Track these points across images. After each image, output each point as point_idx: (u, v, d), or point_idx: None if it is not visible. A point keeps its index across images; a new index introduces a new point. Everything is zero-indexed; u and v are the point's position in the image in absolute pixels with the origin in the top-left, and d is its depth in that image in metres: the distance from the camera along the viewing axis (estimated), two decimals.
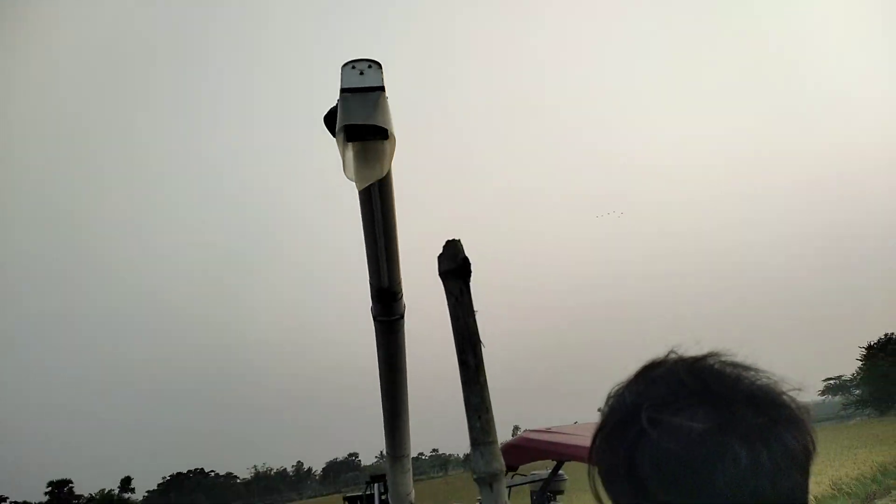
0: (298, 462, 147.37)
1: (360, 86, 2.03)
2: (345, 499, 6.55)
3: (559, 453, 4.12)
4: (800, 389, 0.69)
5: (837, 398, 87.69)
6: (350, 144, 2.08)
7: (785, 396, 0.67)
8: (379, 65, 2.07)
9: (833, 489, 15.82)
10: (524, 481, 5.66)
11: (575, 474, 4.56)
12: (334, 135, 2.06)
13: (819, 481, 16.25)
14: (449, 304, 2.07)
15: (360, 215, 2.48)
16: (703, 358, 0.71)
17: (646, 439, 0.65)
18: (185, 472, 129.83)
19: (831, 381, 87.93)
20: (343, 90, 2.02)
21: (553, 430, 4.59)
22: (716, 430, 0.63)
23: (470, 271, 2.20)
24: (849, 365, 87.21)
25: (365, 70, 2.07)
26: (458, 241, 2.12)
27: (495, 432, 2.26)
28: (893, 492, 15.23)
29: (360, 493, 6.50)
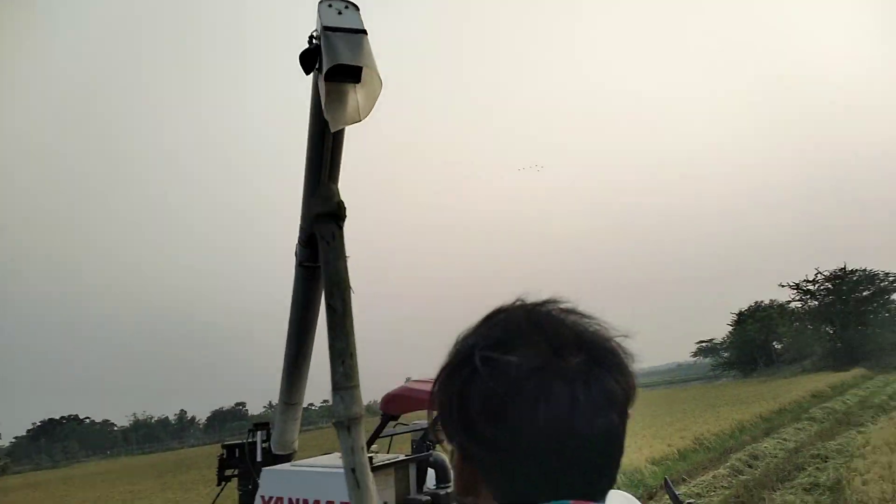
0: (182, 411, 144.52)
1: (343, 26, 2.08)
2: (224, 446, 5.52)
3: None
4: (626, 336, 0.73)
5: (708, 360, 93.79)
6: (336, 85, 2.10)
7: (612, 342, 0.72)
8: (356, 6, 2.14)
9: (695, 444, 16.12)
10: (405, 430, 5.11)
11: None
12: (307, 73, 2.15)
13: (683, 436, 16.61)
14: (320, 248, 1.96)
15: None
16: (543, 304, 0.75)
17: (476, 377, 0.69)
18: (57, 418, 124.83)
19: (704, 344, 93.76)
20: (325, 28, 2.06)
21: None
22: (541, 369, 0.66)
23: (344, 215, 2.09)
24: (721, 330, 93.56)
25: (342, 10, 2.13)
26: (334, 185, 2.01)
27: (358, 378, 2.16)
28: (747, 447, 15.60)
29: (240, 441, 5.54)
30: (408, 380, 3.98)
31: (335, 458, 4.62)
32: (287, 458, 5.29)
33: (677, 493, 4.66)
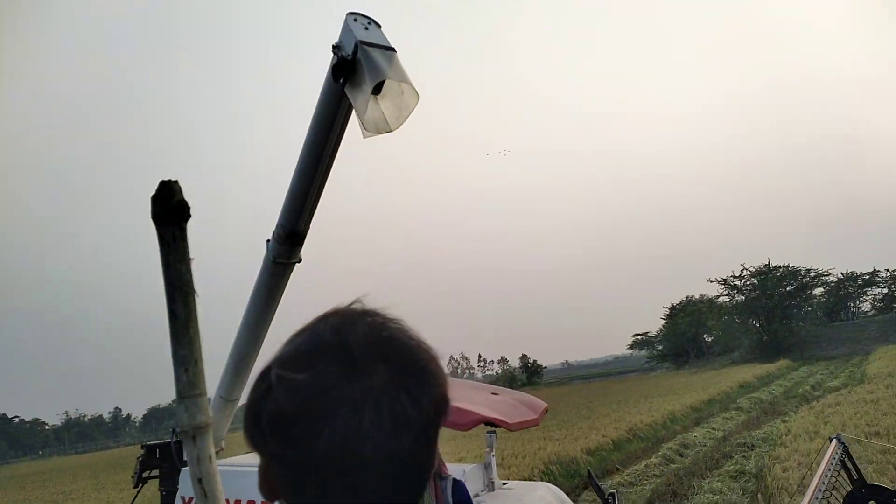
0: (116, 408, 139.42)
1: (376, 42, 2.37)
2: (143, 446, 5.19)
3: None
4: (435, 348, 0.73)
5: (643, 352, 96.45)
6: (375, 97, 2.42)
7: (423, 357, 0.70)
8: (378, 24, 2.43)
9: (629, 434, 16.49)
10: None
11: None
12: (337, 81, 2.47)
13: (617, 427, 16.96)
14: (161, 250, 1.41)
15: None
16: (355, 315, 0.72)
17: (270, 394, 0.69)
18: None
19: (639, 337, 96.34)
20: (363, 43, 2.34)
21: None
22: (330, 389, 0.65)
23: (187, 215, 1.49)
24: (656, 323, 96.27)
25: (368, 26, 2.41)
26: (176, 182, 1.35)
27: (204, 385, 1.58)
28: (678, 436, 16.08)
29: (162, 441, 5.25)
30: None
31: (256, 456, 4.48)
32: None
33: (600, 484, 4.73)
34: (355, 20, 2.44)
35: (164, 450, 5.19)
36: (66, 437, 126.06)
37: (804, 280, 59.38)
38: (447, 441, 18.15)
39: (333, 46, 2.66)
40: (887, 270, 65.81)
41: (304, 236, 3.51)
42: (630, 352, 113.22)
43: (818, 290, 62.47)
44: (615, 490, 4.76)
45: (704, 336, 72.16)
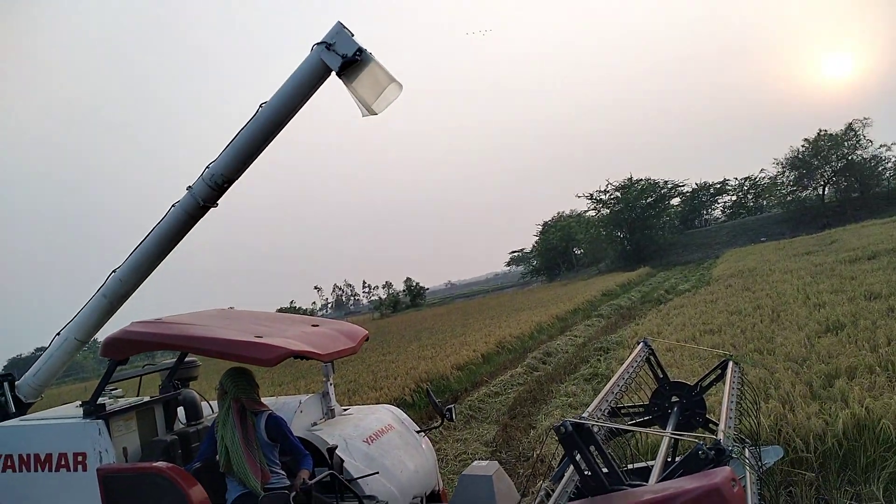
0: None
1: (364, 48, 3.81)
2: None
3: (163, 343, 3.52)
4: None
5: (519, 268, 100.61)
6: (390, 86, 3.93)
7: None
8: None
9: (498, 347, 17.10)
10: (152, 370, 4.76)
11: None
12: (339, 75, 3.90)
13: (487, 341, 17.53)
14: None
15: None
16: None
17: None
18: None
19: (515, 253, 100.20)
20: (364, 50, 3.81)
21: (162, 320, 3.48)
22: None
23: None
24: (530, 240, 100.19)
25: (352, 34, 3.86)
26: None
27: None
28: (543, 346, 16.91)
29: None
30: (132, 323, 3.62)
31: (69, 409, 4.16)
32: (27, 409, 4.74)
33: (437, 400, 4.78)
34: (344, 28, 3.85)
35: None
36: None
37: (662, 191, 63.38)
38: (299, 377, 18.11)
39: (325, 44, 3.84)
40: (735, 179, 71.80)
41: (228, 188, 4.28)
42: (508, 269, 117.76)
43: (675, 201, 67.03)
44: (452, 405, 4.87)
45: (574, 249, 76.10)
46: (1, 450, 3.73)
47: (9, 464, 3.65)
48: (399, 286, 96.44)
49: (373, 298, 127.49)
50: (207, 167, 4.22)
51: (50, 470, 3.52)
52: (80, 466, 3.45)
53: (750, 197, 71.40)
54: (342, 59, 3.76)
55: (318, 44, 3.88)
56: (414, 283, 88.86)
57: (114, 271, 4.56)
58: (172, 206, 4.35)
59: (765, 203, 68.79)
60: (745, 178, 70.67)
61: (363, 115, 3.96)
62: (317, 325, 3.96)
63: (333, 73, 3.89)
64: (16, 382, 4.98)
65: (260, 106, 4.10)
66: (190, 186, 4.26)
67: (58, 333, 4.78)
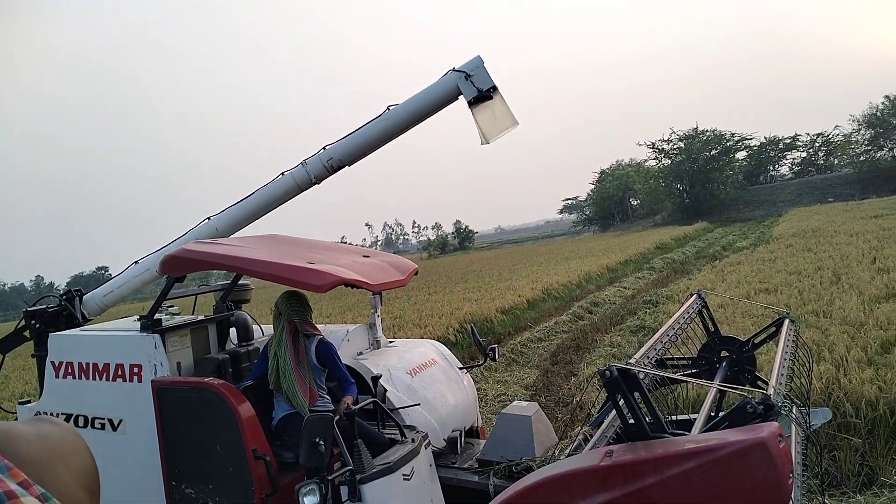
0: (38, 276, 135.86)
1: (497, 86, 4.19)
2: (25, 312, 4.94)
3: (217, 263, 3.51)
4: None
5: (572, 216, 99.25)
6: (508, 122, 4.28)
7: None
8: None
9: (544, 294, 17.06)
10: (207, 290, 4.94)
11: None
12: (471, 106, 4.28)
13: (534, 288, 17.49)
14: None
15: None
16: None
17: None
18: None
19: (569, 201, 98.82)
20: (496, 88, 4.20)
21: (218, 241, 3.63)
22: None
23: None
24: (585, 188, 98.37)
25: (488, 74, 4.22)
26: None
27: None
28: (590, 295, 16.78)
29: (42, 307, 5.07)
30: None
31: (127, 323, 4.34)
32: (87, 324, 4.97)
33: (481, 339, 4.80)
34: (483, 64, 4.20)
35: (43, 315, 5.08)
36: None
37: (728, 144, 60.89)
38: (346, 310, 18.46)
39: (463, 73, 4.19)
40: (807, 134, 68.21)
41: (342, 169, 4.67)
42: (560, 216, 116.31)
43: (741, 154, 64.31)
44: (495, 345, 4.90)
45: (630, 200, 74.48)
46: (63, 357, 3.93)
47: (69, 370, 3.85)
48: (448, 228, 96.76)
49: (421, 239, 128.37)
50: (324, 148, 4.62)
51: (107, 379, 3.69)
52: (135, 377, 3.61)
53: (821, 154, 67.83)
54: (477, 91, 4.14)
55: (455, 70, 4.26)
56: (463, 226, 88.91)
57: (208, 218, 4.88)
58: (282, 174, 4.71)
59: (836, 162, 65.46)
60: (818, 135, 66.87)
61: (481, 143, 4.31)
62: (367, 256, 3.99)
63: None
64: (84, 297, 5.25)
65: (388, 108, 4.49)
66: (305, 161, 4.64)
67: (136, 262, 5.02)
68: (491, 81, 4.16)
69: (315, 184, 4.68)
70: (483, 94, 4.14)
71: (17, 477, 0.58)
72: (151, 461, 3.51)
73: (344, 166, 4.64)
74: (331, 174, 4.67)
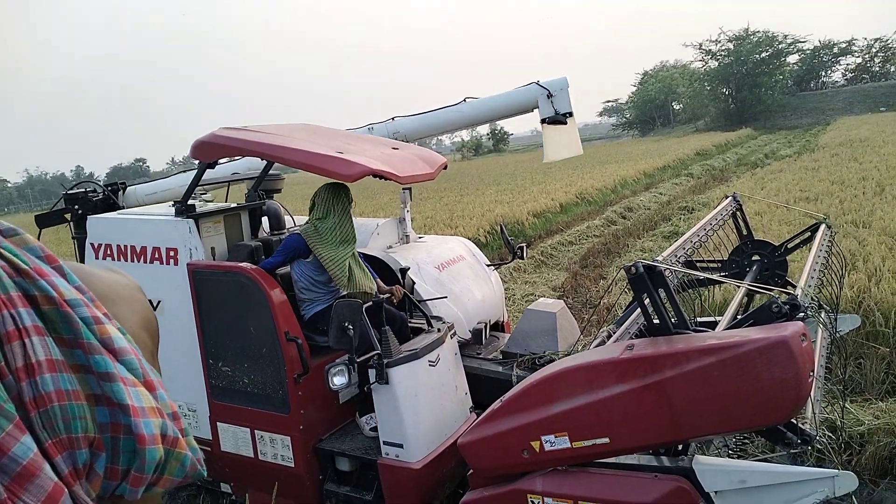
0: (78, 166, 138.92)
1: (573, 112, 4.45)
2: (65, 195, 5.16)
3: (247, 150, 3.56)
4: None
5: (612, 119, 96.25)
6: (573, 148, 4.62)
7: None
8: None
9: (577, 198, 16.90)
10: (239, 178, 5.02)
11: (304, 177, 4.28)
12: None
13: (567, 192, 17.31)
14: None
15: None
16: None
17: None
18: None
19: (609, 103, 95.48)
20: (573, 114, 4.44)
21: (248, 128, 3.61)
22: None
23: None
24: (627, 90, 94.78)
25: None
26: None
27: None
28: (624, 200, 16.57)
29: (82, 191, 5.30)
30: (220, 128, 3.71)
31: (162, 208, 4.43)
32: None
33: (510, 238, 4.82)
34: (568, 87, 4.40)
35: (84, 199, 5.25)
36: (30, 194, 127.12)
37: (780, 46, 57.54)
38: (379, 209, 18.50)
39: (547, 92, 4.40)
40: (865, 39, 64.00)
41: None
42: (599, 119, 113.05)
43: (793, 58, 60.85)
44: (523, 244, 4.92)
45: (673, 104, 71.73)
46: (101, 239, 4.06)
47: (108, 252, 3.98)
48: (483, 129, 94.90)
49: (455, 140, 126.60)
50: (393, 119, 4.89)
51: (144, 262, 3.82)
52: (171, 261, 3.72)
53: (877, 61, 63.82)
54: (555, 113, 4.36)
55: (539, 84, 4.46)
56: (498, 128, 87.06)
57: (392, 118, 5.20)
58: (370, 127, 5.06)
59: (893, 70, 61.73)
60: (876, 40, 62.70)
61: (543, 161, 4.74)
62: (397, 149, 3.95)
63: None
64: (127, 190, 5.38)
65: (464, 99, 4.70)
66: (371, 126, 4.98)
67: (185, 171, 5.11)
68: (569, 107, 4.37)
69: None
70: (558, 118, 4.35)
71: (100, 308, 0.66)
72: (190, 341, 3.68)
73: (409, 141, 4.86)
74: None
